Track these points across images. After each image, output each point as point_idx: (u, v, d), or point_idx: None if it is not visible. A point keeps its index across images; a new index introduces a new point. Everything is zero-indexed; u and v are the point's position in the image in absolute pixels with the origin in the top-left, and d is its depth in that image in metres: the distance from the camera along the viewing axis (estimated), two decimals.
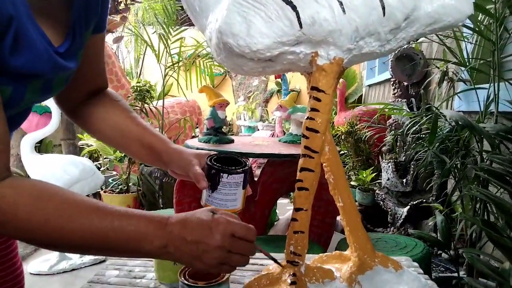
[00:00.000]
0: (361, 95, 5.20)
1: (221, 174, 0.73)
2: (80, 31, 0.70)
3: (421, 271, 0.95)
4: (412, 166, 2.70)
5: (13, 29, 0.55)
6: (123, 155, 2.89)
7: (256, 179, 1.88)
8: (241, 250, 0.64)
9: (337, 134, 3.10)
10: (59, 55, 0.65)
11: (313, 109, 0.71)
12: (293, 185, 1.88)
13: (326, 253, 0.87)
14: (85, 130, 0.87)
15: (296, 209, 0.75)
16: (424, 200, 2.42)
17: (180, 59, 3.01)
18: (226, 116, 1.73)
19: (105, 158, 3.59)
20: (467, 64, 1.48)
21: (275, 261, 0.76)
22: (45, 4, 0.63)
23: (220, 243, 0.61)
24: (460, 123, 1.12)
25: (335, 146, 0.82)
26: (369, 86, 4.82)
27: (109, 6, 0.87)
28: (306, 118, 0.73)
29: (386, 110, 2.08)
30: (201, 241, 0.61)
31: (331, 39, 0.67)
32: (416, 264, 1.00)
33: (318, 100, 0.71)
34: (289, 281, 0.74)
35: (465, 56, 1.54)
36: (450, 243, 1.59)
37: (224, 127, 1.75)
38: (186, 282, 0.68)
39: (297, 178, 0.75)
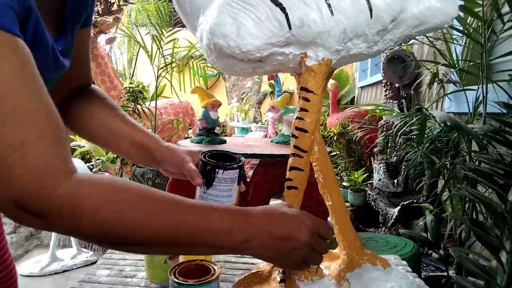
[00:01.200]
0: (354, 97, 5.23)
1: (217, 170, 0.72)
2: (72, 28, 0.67)
3: (409, 269, 0.97)
4: (403, 167, 2.72)
5: (33, 21, 0.52)
6: (115, 156, 2.88)
7: (248, 180, 1.89)
8: (321, 249, 0.63)
9: (329, 135, 3.12)
10: (61, 54, 0.63)
11: (302, 109, 0.72)
12: (284, 185, 1.88)
13: None
14: (72, 129, 0.81)
15: None
16: (414, 201, 2.44)
17: (173, 60, 3.01)
18: (218, 117, 1.74)
19: (98, 159, 3.57)
20: (456, 66, 1.50)
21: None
22: (46, 3, 0.59)
23: (310, 239, 0.60)
24: (448, 123, 1.13)
25: (325, 146, 0.83)
26: (362, 87, 4.86)
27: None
28: (295, 118, 0.74)
29: (377, 111, 2.10)
30: (291, 237, 0.58)
31: (320, 41, 0.68)
32: (404, 262, 1.02)
33: (307, 100, 0.72)
34: (278, 279, 0.75)
35: (455, 58, 1.56)
36: (440, 242, 1.61)
37: (217, 128, 1.75)
38: (177, 281, 0.69)
39: (286, 177, 0.76)
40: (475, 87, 1.49)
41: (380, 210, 2.60)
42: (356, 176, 2.83)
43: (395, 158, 2.78)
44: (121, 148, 0.80)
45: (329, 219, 2.75)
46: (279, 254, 0.59)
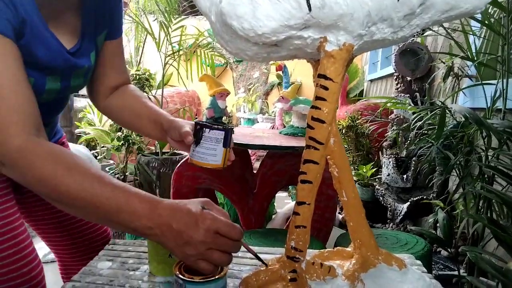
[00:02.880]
0: (362, 90, 5.15)
1: (204, 129, 0.83)
2: (90, 36, 0.88)
3: (425, 269, 0.92)
4: (413, 162, 2.66)
5: (28, 30, 0.72)
6: (120, 143, 2.85)
7: (255, 171, 1.85)
8: (223, 247, 0.65)
9: (338, 128, 3.06)
10: (71, 54, 0.83)
11: (319, 98, 0.68)
12: (293, 178, 1.84)
13: (327, 249, 0.84)
14: (110, 118, 1.06)
15: (299, 203, 0.71)
16: (424, 197, 2.39)
17: (181, 48, 2.95)
18: (226, 106, 1.69)
19: (103, 146, 3.55)
20: (475, 59, 1.44)
21: (259, 259, 0.74)
22: (56, 15, 0.80)
23: (203, 238, 0.63)
24: (469, 118, 1.08)
25: (341, 138, 0.78)
26: (371, 81, 4.78)
27: (122, 15, 1.01)
28: (311, 107, 0.69)
29: (389, 104, 2.04)
30: (185, 232, 0.63)
31: (342, 24, 0.63)
32: (419, 262, 0.97)
33: (326, 88, 0.67)
34: (289, 277, 0.71)
35: (473, 50, 1.49)
36: (452, 240, 1.56)
37: (224, 117, 1.71)
38: (182, 277, 0.65)
39: (300, 170, 0.71)
40: (494, 81, 1.43)
41: (389, 205, 2.55)
42: (365, 171, 2.78)
43: (404, 152, 2.72)
44: (142, 126, 0.99)
45: (339, 216, 2.70)
46: (176, 246, 0.64)
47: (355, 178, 2.96)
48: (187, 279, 0.65)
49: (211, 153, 0.84)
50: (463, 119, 1.25)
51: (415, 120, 1.47)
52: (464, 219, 1.45)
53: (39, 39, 0.74)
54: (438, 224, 2.16)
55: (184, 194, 1.66)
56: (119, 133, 2.94)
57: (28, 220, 1.09)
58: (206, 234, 0.63)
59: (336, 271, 0.75)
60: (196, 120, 0.88)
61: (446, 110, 1.25)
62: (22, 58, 0.71)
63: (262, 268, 0.74)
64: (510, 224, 1.13)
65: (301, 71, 5.03)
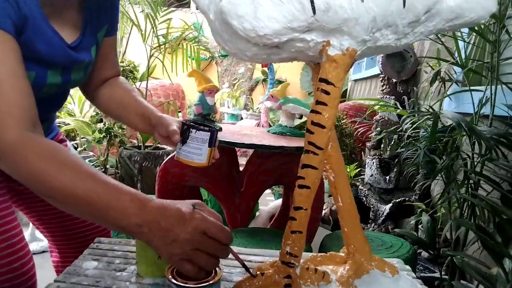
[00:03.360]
0: (346, 90, 5.19)
1: (190, 129, 0.86)
2: (91, 31, 0.89)
3: (414, 275, 0.93)
4: (397, 164, 2.69)
5: (30, 27, 0.73)
6: (102, 136, 2.79)
7: (241, 168, 1.83)
8: (209, 249, 0.63)
9: None
10: (72, 49, 0.84)
11: (320, 103, 0.66)
12: (280, 178, 1.83)
13: (320, 254, 0.83)
14: (99, 108, 1.08)
15: (296, 208, 0.70)
16: (406, 199, 2.42)
17: (167, 41, 2.90)
18: (215, 103, 1.67)
19: (82, 138, 3.46)
20: (465, 65, 1.45)
21: (247, 269, 0.72)
22: (58, 10, 0.81)
23: (190, 236, 0.62)
24: (462, 125, 1.09)
25: (338, 143, 0.77)
26: (355, 81, 4.81)
27: (119, 11, 1.02)
28: (311, 112, 0.68)
29: (377, 107, 2.05)
30: (172, 229, 0.62)
31: (346, 28, 0.62)
32: (408, 267, 0.97)
33: (327, 93, 0.66)
34: (283, 283, 0.70)
35: (463, 56, 1.51)
36: (435, 243, 1.58)
37: (212, 114, 1.68)
38: (175, 282, 0.63)
39: (298, 175, 0.70)
40: (482, 87, 1.45)
41: (372, 206, 2.58)
42: (348, 170, 2.79)
43: (388, 154, 2.75)
44: (129, 119, 1.01)
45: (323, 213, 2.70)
46: (162, 244, 0.63)
47: None
48: (181, 284, 0.63)
49: (196, 152, 0.87)
50: (453, 124, 1.26)
51: (406, 124, 1.48)
52: (448, 223, 1.47)
53: (40, 34, 0.76)
54: (420, 226, 2.19)
55: (170, 190, 1.64)
56: (101, 125, 2.88)
57: (24, 209, 1.10)
58: (193, 232, 0.62)
59: (330, 277, 0.74)
60: (184, 119, 0.90)
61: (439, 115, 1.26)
62: (23, 53, 0.72)
63: (257, 273, 0.73)
64: (494, 230, 1.14)
65: (286, 69, 5.02)
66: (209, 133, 0.87)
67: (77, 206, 0.65)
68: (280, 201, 2.18)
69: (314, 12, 0.60)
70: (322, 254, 0.83)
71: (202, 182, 1.68)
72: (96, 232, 1.15)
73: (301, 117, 2.96)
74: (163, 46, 2.79)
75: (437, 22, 0.64)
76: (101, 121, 3.15)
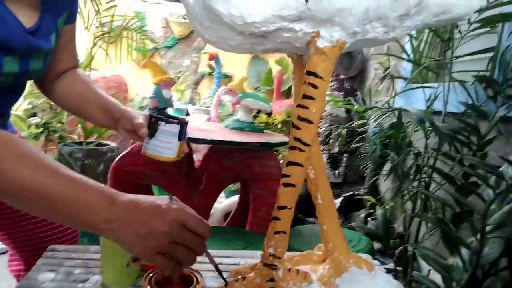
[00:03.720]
0: (291, 85, 5.24)
1: (159, 122, 0.82)
2: (50, 16, 0.83)
3: (384, 269, 0.93)
4: (345, 159, 2.77)
5: None
6: (39, 131, 2.57)
7: (196, 162, 1.76)
8: (188, 242, 0.58)
9: (274, 122, 3.07)
10: (30, 34, 0.78)
11: (307, 97, 0.63)
12: (240, 175, 1.78)
13: (298, 253, 0.81)
14: (56, 103, 1.03)
15: (280, 207, 0.67)
16: (355, 192, 2.49)
17: (111, 29, 2.73)
18: (171, 96, 1.58)
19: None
20: (419, 62, 1.50)
21: (221, 275, 0.66)
22: None
23: (168, 228, 0.57)
24: (424, 120, 1.12)
25: (318, 140, 0.75)
26: None
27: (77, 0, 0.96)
28: (297, 106, 0.65)
29: (332, 103, 2.08)
30: (147, 221, 0.57)
31: (338, 19, 0.59)
32: (377, 262, 0.98)
33: (315, 87, 0.63)
34: (267, 287, 0.66)
35: (410, 53, 1.56)
36: (389, 236, 1.63)
37: (169, 108, 1.60)
38: None
39: (283, 173, 0.66)
40: (435, 84, 1.51)
41: None
42: None
43: (337, 149, 2.82)
44: (91, 113, 0.96)
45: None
46: (136, 238, 0.57)
47: None
48: None
49: (165, 146, 0.84)
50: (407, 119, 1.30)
51: (373, 121, 1.50)
52: (402, 216, 1.52)
53: None
54: (369, 219, 2.26)
55: (123, 191, 1.53)
56: (37, 119, 2.66)
57: None
58: (172, 224, 0.57)
59: (311, 277, 0.72)
60: (150, 112, 0.88)
61: (395, 112, 1.28)
62: None
63: (238, 276, 0.69)
64: (449, 221, 1.19)
65: (232, 63, 4.97)
66: (179, 125, 0.83)
67: (36, 202, 0.57)
68: (234, 198, 2.14)
69: (306, 0, 0.57)
70: (299, 253, 0.81)
71: (159, 180, 1.59)
72: (64, 235, 1.05)
73: (258, 112, 2.94)
74: (108, 35, 2.61)
75: (425, 16, 0.63)
76: (34, 115, 2.91)
